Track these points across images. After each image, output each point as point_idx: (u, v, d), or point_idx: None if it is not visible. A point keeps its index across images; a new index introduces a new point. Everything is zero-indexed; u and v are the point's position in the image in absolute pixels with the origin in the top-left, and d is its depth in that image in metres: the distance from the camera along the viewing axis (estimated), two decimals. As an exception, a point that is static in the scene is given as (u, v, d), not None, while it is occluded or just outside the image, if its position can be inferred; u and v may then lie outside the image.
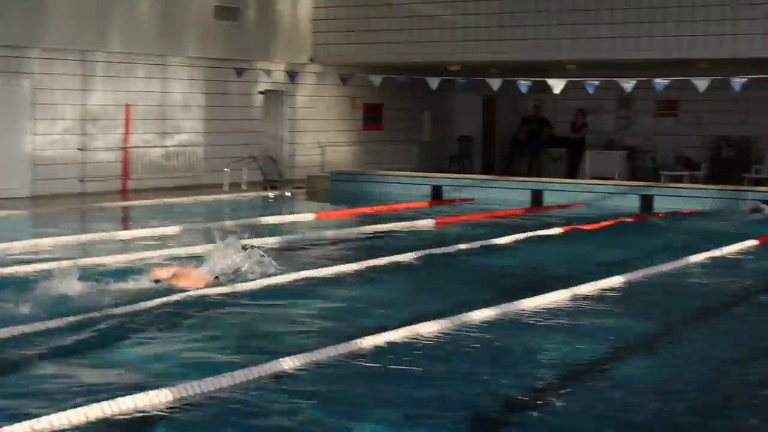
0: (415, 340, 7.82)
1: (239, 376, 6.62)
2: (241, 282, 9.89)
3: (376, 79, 20.46)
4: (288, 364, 6.94)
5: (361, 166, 25.80)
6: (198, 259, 10.72)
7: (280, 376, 6.77)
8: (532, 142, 25.69)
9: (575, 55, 21.99)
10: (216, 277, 10.12)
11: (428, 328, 8.09)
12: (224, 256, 10.43)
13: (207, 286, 9.78)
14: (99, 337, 7.82)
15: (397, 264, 11.40)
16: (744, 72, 19.01)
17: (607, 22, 21.22)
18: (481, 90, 25.21)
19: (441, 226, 15.72)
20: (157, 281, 9.85)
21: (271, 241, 12.91)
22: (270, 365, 6.86)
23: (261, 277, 10.18)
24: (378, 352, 7.46)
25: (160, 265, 10.52)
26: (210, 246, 10.88)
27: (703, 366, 7.44)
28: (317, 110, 25.12)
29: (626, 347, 7.93)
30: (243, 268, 10.37)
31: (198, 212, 17.81)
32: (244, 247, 10.65)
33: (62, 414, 5.72)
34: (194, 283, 9.82)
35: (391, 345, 7.64)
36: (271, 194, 20.52)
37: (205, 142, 22.42)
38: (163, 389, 6.20)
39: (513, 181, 20.21)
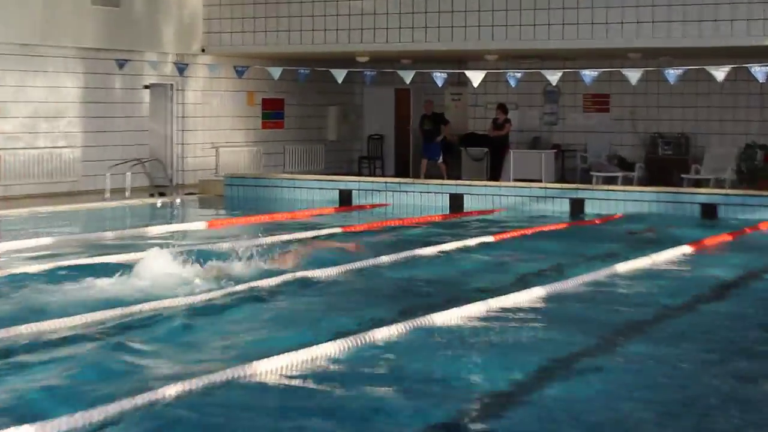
0: (319, 363, 7.91)
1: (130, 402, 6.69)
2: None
3: (276, 72, 20.52)
4: (179, 389, 6.99)
5: (259, 168, 25.85)
6: None
7: (169, 403, 6.82)
8: (427, 142, 25.36)
9: (496, 45, 22.28)
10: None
11: (333, 349, 8.19)
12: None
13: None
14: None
15: (300, 279, 11.46)
16: (680, 63, 19.44)
17: (530, 8, 21.53)
18: (393, 83, 25.45)
19: (350, 235, 15.83)
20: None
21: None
22: (159, 392, 6.90)
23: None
24: (277, 376, 7.53)
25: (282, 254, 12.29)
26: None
27: (637, 380, 7.67)
28: (210, 106, 25.11)
29: (553, 363, 8.13)
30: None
31: (76, 222, 17.70)
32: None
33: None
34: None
35: (292, 368, 7.72)
36: (158, 201, 20.46)
37: (83, 144, 22.26)
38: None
39: (430, 184, 20.38)
